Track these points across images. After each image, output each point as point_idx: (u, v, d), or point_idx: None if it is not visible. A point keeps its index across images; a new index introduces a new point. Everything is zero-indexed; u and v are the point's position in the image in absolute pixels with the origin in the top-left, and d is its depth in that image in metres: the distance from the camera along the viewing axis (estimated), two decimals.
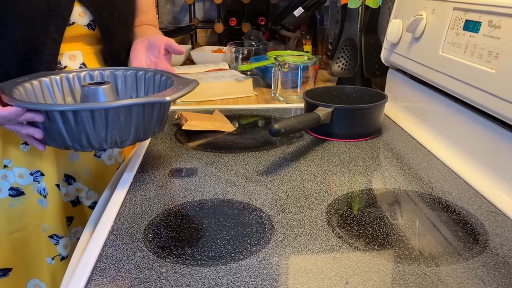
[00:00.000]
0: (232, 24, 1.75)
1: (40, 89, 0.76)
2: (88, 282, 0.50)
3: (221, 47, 1.70)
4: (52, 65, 0.80)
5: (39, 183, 0.87)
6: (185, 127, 0.94)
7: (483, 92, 0.71)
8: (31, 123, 0.67)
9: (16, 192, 0.86)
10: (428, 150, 0.86)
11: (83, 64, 0.88)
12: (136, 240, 0.57)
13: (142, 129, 0.69)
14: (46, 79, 0.77)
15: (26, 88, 0.72)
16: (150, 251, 0.55)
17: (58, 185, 0.88)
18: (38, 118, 0.64)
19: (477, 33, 0.75)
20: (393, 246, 0.56)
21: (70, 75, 0.80)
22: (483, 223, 0.61)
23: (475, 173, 0.75)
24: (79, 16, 0.82)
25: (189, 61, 1.68)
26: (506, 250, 0.55)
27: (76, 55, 0.86)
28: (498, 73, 0.68)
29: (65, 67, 0.86)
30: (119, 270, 0.52)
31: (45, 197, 0.87)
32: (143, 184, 0.73)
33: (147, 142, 0.89)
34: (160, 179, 0.75)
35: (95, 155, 0.94)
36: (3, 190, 0.85)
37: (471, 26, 0.77)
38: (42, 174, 0.87)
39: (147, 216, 0.63)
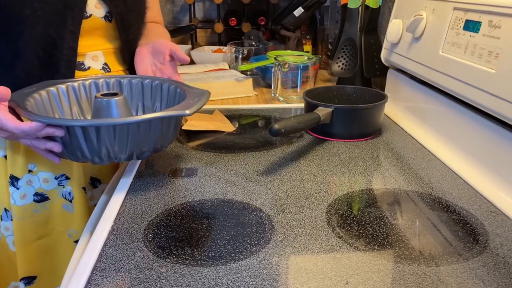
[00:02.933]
0: (232, 24, 1.75)
1: (48, 99, 0.76)
2: (88, 282, 0.50)
3: (221, 47, 1.70)
4: (72, 58, 0.80)
5: (63, 187, 0.86)
6: (185, 127, 0.94)
7: (483, 92, 0.71)
8: (49, 137, 0.66)
9: (41, 198, 0.86)
10: (428, 150, 0.86)
11: (105, 64, 0.88)
12: (136, 240, 0.57)
13: (160, 140, 0.70)
14: (53, 89, 0.77)
15: (36, 99, 0.72)
16: (150, 251, 0.55)
17: (84, 188, 0.88)
18: (59, 133, 0.63)
19: (477, 33, 0.75)
20: (393, 246, 0.56)
21: (76, 84, 0.80)
22: (483, 223, 0.61)
23: (475, 173, 0.75)
24: (95, 8, 0.82)
25: None
26: (506, 250, 0.55)
27: (98, 56, 0.86)
28: (498, 73, 0.68)
29: (89, 67, 0.86)
30: (119, 270, 0.52)
31: (70, 201, 0.87)
32: (143, 184, 0.73)
33: None
34: (160, 179, 0.75)
35: None
36: (28, 195, 0.84)
37: (471, 26, 0.77)
38: (67, 178, 0.86)
39: (147, 216, 0.63)
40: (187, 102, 0.70)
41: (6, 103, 0.66)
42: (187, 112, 0.66)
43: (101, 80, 0.82)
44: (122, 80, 0.82)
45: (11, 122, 0.64)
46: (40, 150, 0.69)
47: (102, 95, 0.73)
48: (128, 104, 0.81)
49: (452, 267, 0.52)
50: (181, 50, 0.86)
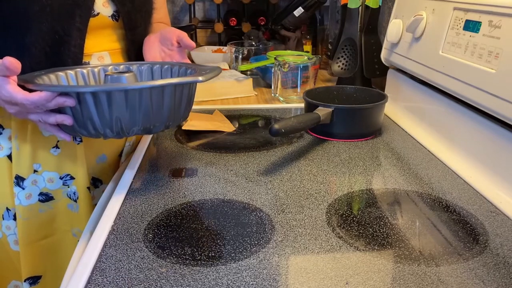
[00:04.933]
0: (232, 24, 1.75)
1: (57, 82, 0.75)
2: (88, 282, 0.50)
3: (221, 47, 1.70)
4: (79, 55, 0.80)
5: (68, 187, 0.86)
6: (185, 127, 0.94)
7: (483, 92, 0.71)
8: (59, 111, 0.65)
9: (46, 197, 0.86)
10: (428, 150, 0.86)
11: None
12: (136, 240, 0.57)
13: (173, 114, 0.68)
14: (61, 73, 0.76)
15: (45, 81, 0.72)
16: (150, 251, 0.55)
17: (88, 188, 0.88)
18: (70, 102, 0.62)
19: (477, 33, 0.75)
20: (393, 246, 0.56)
21: (85, 70, 0.80)
22: (483, 223, 0.61)
23: (475, 173, 0.75)
24: (103, 6, 0.82)
25: None
26: (506, 250, 0.55)
27: (104, 56, 0.86)
28: (498, 73, 0.68)
29: None
30: (119, 270, 0.52)
31: (75, 201, 0.87)
32: (143, 184, 0.73)
33: (147, 142, 0.89)
34: (160, 179, 0.75)
35: (119, 155, 0.94)
36: (33, 195, 0.84)
37: (471, 26, 0.77)
38: (72, 178, 0.86)
39: (147, 216, 0.63)
40: (199, 72, 0.69)
41: (15, 77, 0.65)
42: (200, 78, 0.64)
43: (110, 67, 0.82)
44: (131, 67, 0.82)
45: (20, 93, 0.62)
46: (51, 127, 0.68)
47: (113, 72, 0.72)
48: None
49: (452, 267, 0.52)
50: (188, 37, 0.86)
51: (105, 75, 0.73)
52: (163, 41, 0.88)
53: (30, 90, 0.64)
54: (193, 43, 0.86)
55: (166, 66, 0.81)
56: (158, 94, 0.64)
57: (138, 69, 0.83)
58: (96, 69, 0.81)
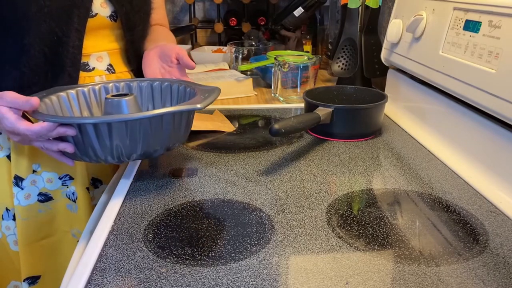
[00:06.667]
0: (232, 24, 1.75)
1: (58, 104, 0.76)
2: (88, 282, 0.50)
3: (221, 47, 1.70)
4: (77, 56, 0.80)
5: (67, 187, 0.86)
6: None
7: (483, 92, 0.71)
8: (61, 138, 0.66)
9: (45, 198, 0.86)
10: (428, 150, 0.86)
11: (110, 65, 0.88)
12: (136, 240, 0.57)
13: (173, 138, 0.70)
14: (63, 94, 0.77)
15: (46, 104, 0.72)
16: (150, 251, 0.55)
17: (87, 189, 0.88)
18: (71, 132, 0.63)
19: (477, 33, 0.75)
20: (393, 246, 0.56)
21: (85, 89, 0.80)
22: (483, 223, 0.61)
23: (475, 173, 0.75)
24: (101, 7, 0.83)
25: None
26: (506, 250, 0.55)
27: (103, 56, 0.86)
28: (498, 73, 0.68)
29: (93, 68, 0.86)
30: (119, 270, 0.52)
31: (74, 201, 0.87)
32: (143, 184, 0.73)
33: None
34: (160, 179, 0.75)
35: None
36: (32, 195, 0.85)
37: (471, 26, 0.77)
38: (71, 178, 0.86)
39: (147, 216, 0.63)
40: (198, 97, 0.70)
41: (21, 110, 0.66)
42: (199, 106, 0.66)
43: (110, 84, 0.82)
44: (131, 84, 0.83)
45: (23, 124, 0.64)
46: (53, 152, 0.69)
47: (112, 96, 0.73)
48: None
49: (452, 267, 0.52)
50: (187, 55, 0.86)
51: (105, 98, 0.73)
52: (163, 58, 0.88)
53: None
54: (192, 63, 0.86)
55: (166, 83, 0.82)
56: (157, 122, 0.66)
57: (139, 85, 0.83)
58: (97, 87, 0.81)
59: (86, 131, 0.63)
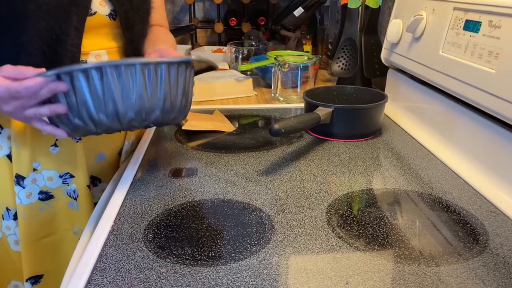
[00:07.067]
0: (232, 24, 1.75)
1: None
2: (88, 282, 0.50)
3: (221, 47, 1.70)
4: (76, 54, 0.80)
5: (68, 185, 0.86)
6: (185, 127, 0.94)
7: (483, 92, 0.71)
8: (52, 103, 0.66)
9: (46, 196, 0.86)
10: (428, 150, 0.86)
11: None
12: (136, 240, 0.57)
13: (169, 102, 0.68)
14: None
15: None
16: (150, 251, 0.55)
17: (88, 187, 0.88)
18: (62, 86, 0.63)
19: (477, 33, 0.75)
20: (393, 246, 0.56)
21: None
22: (483, 223, 0.61)
23: (475, 173, 0.75)
24: (100, 5, 0.83)
25: None
26: (506, 250, 0.55)
27: (101, 55, 0.86)
28: (498, 73, 0.68)
29: None
30: (119, 270, 0.52)
31: (75, 199, 0.87)
32: (143, 184, 0.73)
33: (147, 142, 0.89)
34: (160, 179, 0.75)
35: (118, 154, 0.94)
36: (33, 194, 0.85)
37: (471, 26, 0.77)
38: (71, 176, 0.86)
39: (147, 216, 0.63)
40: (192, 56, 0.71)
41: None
42: (193, 57, 0.68)
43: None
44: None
45: (16, 83, 0.64)
46: (47, 126, 0.69)
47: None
48: None
49: (452, 267, 0.52)
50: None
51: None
52: None
53: None
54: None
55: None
56: (151, 74, 0.65)
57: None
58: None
59: (78, 82, 0.63)
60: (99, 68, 0.62)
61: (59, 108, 0.66)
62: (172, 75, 0.68)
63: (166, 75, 0.67)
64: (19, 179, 0.83)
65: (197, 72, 0.82)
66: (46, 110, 0.67)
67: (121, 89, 0.64)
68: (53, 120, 0.70)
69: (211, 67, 0.81)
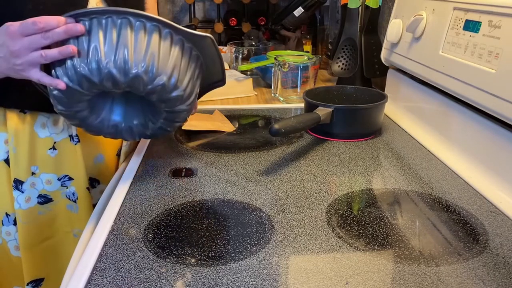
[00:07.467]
0: (232, 24, 1.75)
1: None
2: (88, 282, 0.50)
3: (221, 47, 1.70)
4: None
5: (67, 188, 0.86)
6: (185, 127, 0.94)
7: (483, 92, 0.71)
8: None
9: (45, 199, 0.85)
10: (428, 150, 0.86)
11: None
12: (136, 240, 0.57)
13: (177, 75, 0.67)
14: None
15: None
16: (150, 251, 0.55)
17: (88, 189, 0.88)
18: (80, 28, 0.63)
19: (477, 33, 0.75)
20: (393, 246, 0.56)
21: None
22: (483, 223, 0.61)
23: (475, 173, 0.75)
24: (96, 5, 0.83)
25: None
26: (506, 250, 0.55)
27: None
28: (498, 73, 0.68)
29: None
30: (119, 270, 0.52)
31: (74, 201, 0.87)
32: (143, 184, 0.73)
33: (147, 142, 0.89)
34: (160, 179, 0.75)
35: (117, 155, 0.94)
36: (32, 198, 0.84)
37: (471, 26, 0.77)
38: (70, 179, 0.86)
39: (147, 216, 0.63)
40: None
41: None
42: (208, 34, 0.70)
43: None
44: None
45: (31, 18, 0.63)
46: (46, 77, 0.65)
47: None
48: None
49: (452, 267, 0.52)
50: None
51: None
52: None
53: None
54: None
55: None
56: (165, 38, 0.67)
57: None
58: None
59: (95, 30, 0.64)
60: (120, 18, 0.64)
61: (69, 48, 0.63)
62: (186, 51, 0.69)
63: (179, 47, 0.68)
64: (17, 184, 0.83)
65: (206, 89, 0.82)
66: (55, 51, 0.63)
67: (135, 42, 0.64)
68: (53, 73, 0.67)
69: (219, 83, 0.81)
